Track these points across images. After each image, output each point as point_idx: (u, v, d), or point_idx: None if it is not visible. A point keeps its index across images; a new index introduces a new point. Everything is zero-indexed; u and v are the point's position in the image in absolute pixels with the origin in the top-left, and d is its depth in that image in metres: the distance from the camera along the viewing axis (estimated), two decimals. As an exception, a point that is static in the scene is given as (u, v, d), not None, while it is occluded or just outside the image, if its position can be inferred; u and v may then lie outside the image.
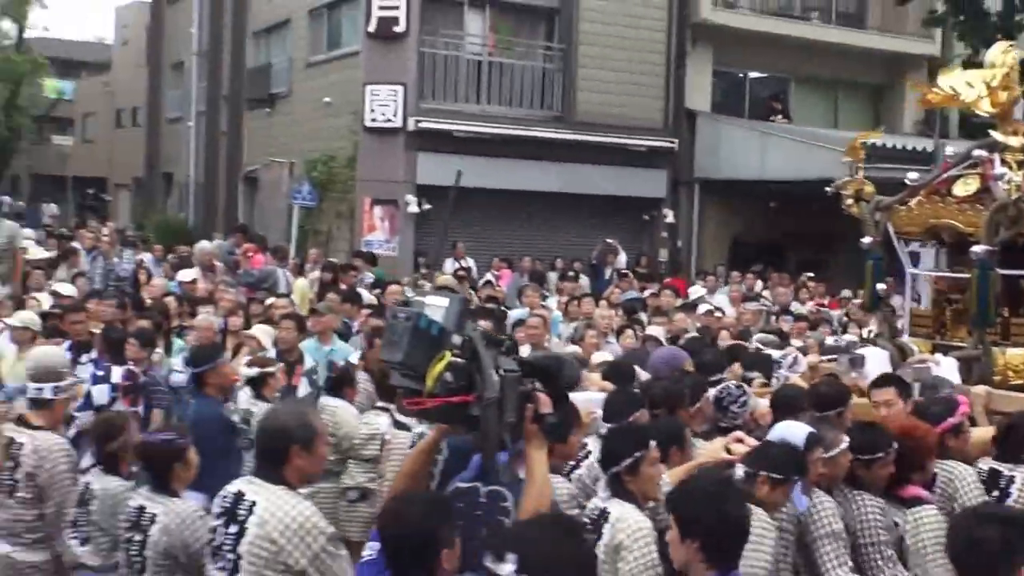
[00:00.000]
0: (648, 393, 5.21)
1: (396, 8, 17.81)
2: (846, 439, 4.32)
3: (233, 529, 3.66)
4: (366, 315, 9.28)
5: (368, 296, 11.18)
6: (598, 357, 7.64)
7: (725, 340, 8.95)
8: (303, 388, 7.74)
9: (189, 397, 6.80)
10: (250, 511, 3.64)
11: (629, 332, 9.08)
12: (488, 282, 13.14)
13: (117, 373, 7.05)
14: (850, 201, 7.09)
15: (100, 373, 7.12)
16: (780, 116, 20.88)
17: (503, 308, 9.94)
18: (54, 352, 6.07)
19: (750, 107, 22.01)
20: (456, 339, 3.40)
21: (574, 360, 3.79)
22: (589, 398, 5.22)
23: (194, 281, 11.61)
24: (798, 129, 19.90)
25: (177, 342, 8.78)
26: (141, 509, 4.39)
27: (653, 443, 4.07)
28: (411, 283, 12.59)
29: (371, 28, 18.05)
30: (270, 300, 10.06)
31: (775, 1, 21.75)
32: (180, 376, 7.69)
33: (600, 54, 19.36)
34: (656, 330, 9.21)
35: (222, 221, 23.93)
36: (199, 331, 8.60)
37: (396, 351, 3.40)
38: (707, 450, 4.62)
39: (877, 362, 6.25)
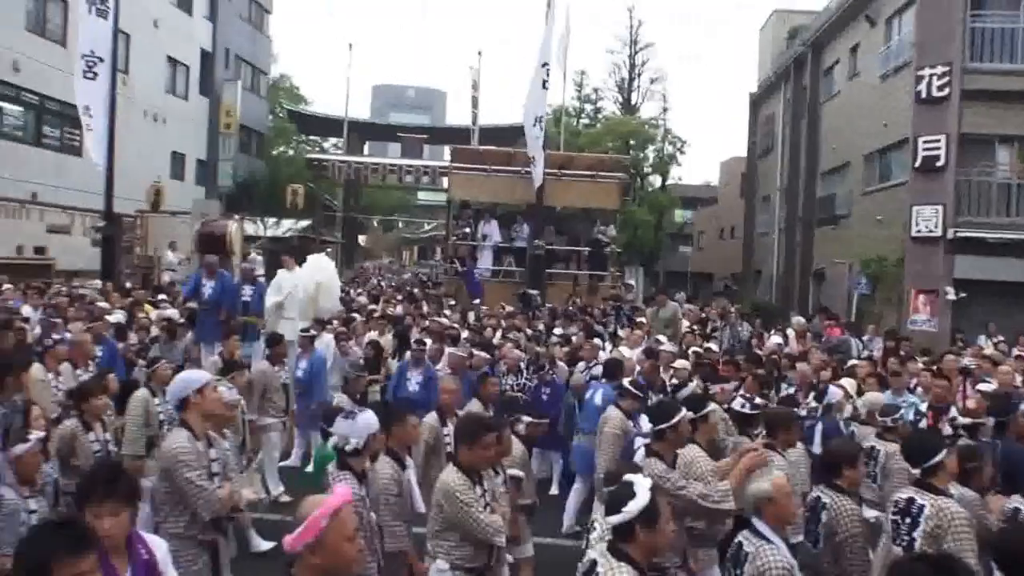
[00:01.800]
0: None
1: (938, 149, 17.14)
2: None
3: (908, 520, 3.89)
4: (929, 376, 8.62)
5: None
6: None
7: None
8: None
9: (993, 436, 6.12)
10: (920, 511, 3.90)
11: None
12: (1019, 356, 11.56)
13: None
14: None
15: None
16: None
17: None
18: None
19: None
20: None
21: None
22: None
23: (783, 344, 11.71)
24: None
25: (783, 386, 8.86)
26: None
27: None
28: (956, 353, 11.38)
29: (917, 164, 17.46)
30: (852, 362, 9.84)
31: None
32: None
33: None
34: None
35: (796, 304, 24.32)
36: (799, 375, 8.69)
37: None
38: None
39: None
